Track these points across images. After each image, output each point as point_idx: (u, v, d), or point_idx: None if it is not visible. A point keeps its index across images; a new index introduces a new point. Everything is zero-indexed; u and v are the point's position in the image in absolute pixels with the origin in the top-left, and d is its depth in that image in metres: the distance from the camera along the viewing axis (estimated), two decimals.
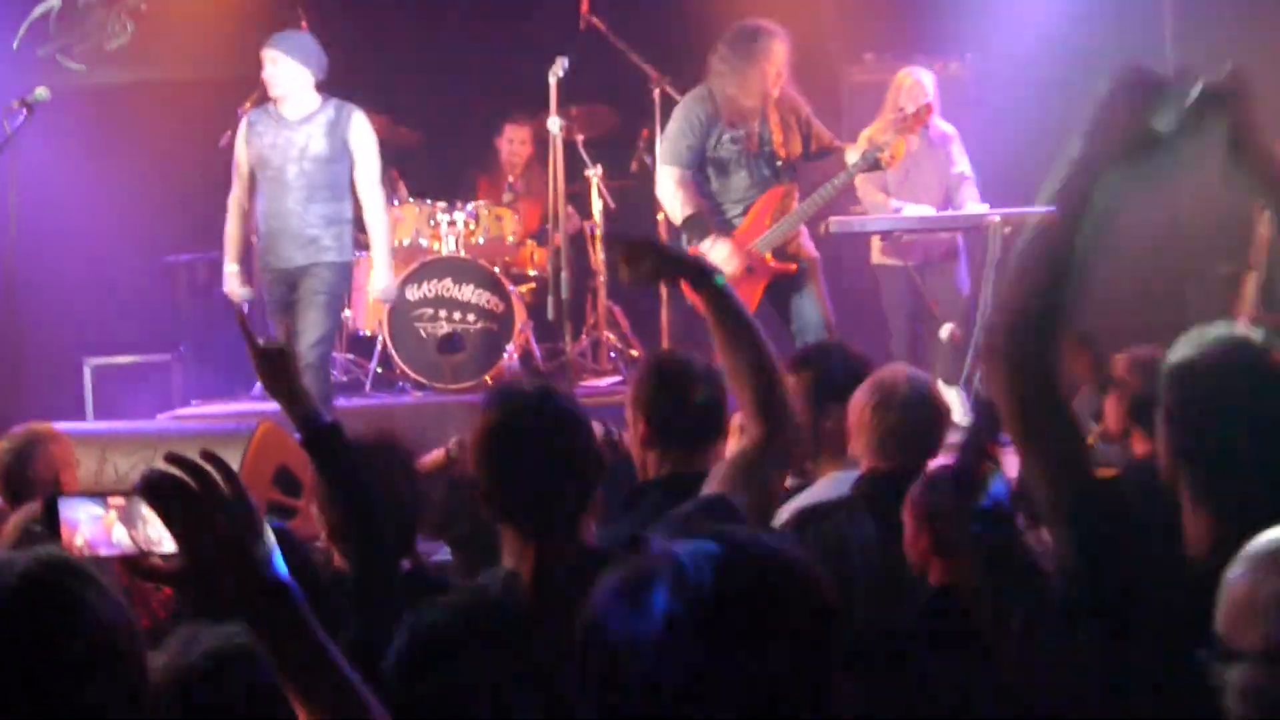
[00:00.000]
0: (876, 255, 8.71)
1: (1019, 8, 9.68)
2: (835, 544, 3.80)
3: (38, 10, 10.97)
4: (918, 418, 4.10)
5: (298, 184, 7.73)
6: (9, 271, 7.18)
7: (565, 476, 2.82)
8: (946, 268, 8.61)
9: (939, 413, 4.22)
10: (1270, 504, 2.33)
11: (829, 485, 4.24)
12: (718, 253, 7.27)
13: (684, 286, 3.58)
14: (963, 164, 8.53)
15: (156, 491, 2.10)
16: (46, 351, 9.94)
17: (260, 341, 3.58)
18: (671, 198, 7.47)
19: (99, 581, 2.06)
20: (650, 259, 3.42)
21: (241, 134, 7.93)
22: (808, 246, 7.61)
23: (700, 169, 7.51)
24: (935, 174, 8.55)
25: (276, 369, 3.52)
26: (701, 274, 3.41)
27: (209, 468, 2.13)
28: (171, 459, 2.13)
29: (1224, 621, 2.10)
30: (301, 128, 7.77)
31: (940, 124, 8.49)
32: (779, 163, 7.49)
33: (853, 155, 7.49)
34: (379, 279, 8.03)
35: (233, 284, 7.94)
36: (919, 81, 8.41)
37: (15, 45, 10.95)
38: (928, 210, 8.40)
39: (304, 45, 7.91)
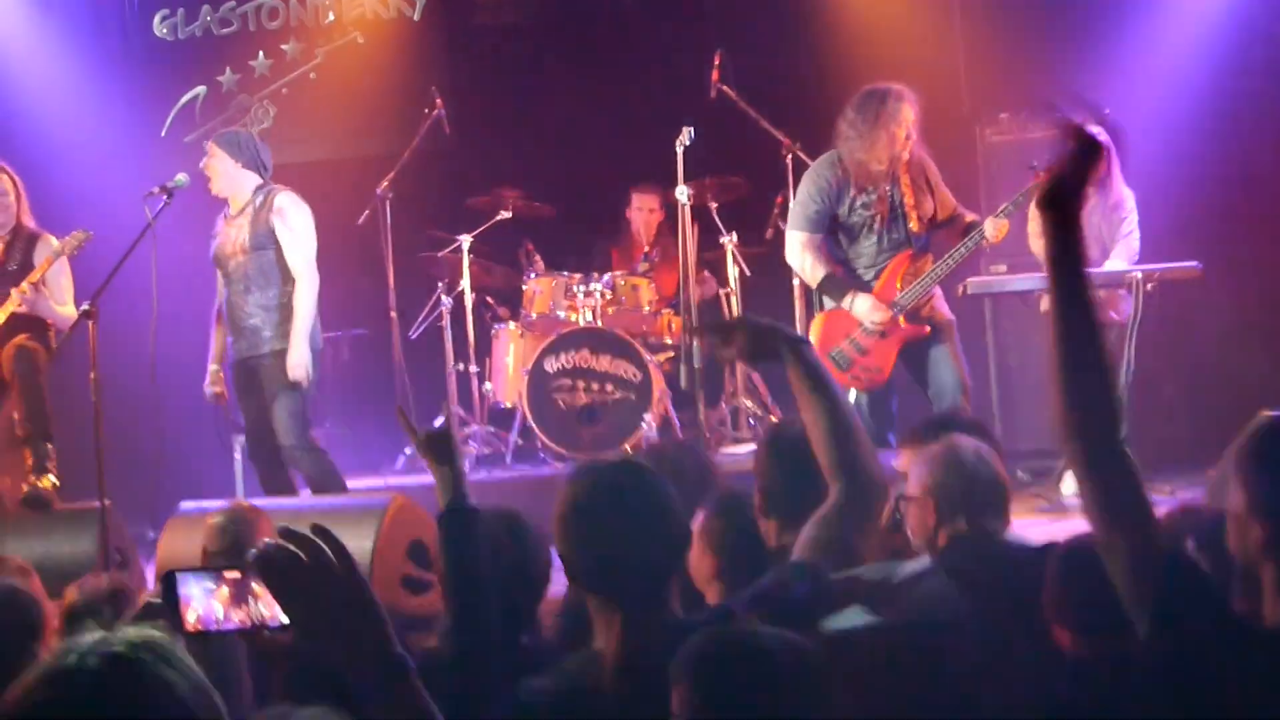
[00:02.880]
0: (1046, 304, 8.55)
1: (1158, 63, 9.53)
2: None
3: (185, 98, 11.27)
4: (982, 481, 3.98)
5: (235, 276, 7.81)
6: (153, 353, 7.30)
7: (645, 548, 2.79)
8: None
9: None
10: None
11: None
12: (860, 306, 7.29)
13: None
14: (1131, 225, 8.33)
15: (269, 566, 2.12)
16: (194, 431, 10.10)
17: (421, 431, 3.65)
18: (802, 261, 7.46)
19: (183, 661, 2.05)
20: (740, 336, 3.50)
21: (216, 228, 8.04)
22: (942, 309, 7.53)
23: (831, 234, 7.48)
24: (1107, 231, 8.39)
25: (439, 449, 3.55)
26: (788, 339, 3.47)
27: (320, 542, 2.14)
28: (284, 534, 2.15)
29: None
30: (236, 221, 7.87)
31: (1121, 186, 8.32)
32: (910, 225, 7.43)
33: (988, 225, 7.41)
34: (288, 359, 7.76)
35: (210, 383, 8.14)
36: None
37: (163, 132, 11.23)
38: None
39: (235, 139, 7.98)
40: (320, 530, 2.18)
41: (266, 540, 2.24)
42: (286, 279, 7.77)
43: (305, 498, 8.32)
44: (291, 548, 2.16)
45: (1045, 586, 3.40)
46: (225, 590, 2.43)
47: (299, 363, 7.71)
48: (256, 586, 2.33)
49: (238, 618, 2.38)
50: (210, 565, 2.78)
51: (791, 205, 7.69)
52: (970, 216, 7.63)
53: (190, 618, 2.42)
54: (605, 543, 2.80)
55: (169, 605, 2.58)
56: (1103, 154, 2.69)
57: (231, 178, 7.86)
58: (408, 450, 9.46)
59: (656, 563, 2.80)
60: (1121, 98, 9.43)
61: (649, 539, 2.80)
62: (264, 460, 7.97)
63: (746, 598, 3.08)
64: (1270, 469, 2.57)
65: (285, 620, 2.22)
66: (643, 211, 10.16)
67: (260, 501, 6.16)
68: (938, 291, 7.53)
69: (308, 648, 2.12)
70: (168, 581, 2.61)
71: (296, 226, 7.80)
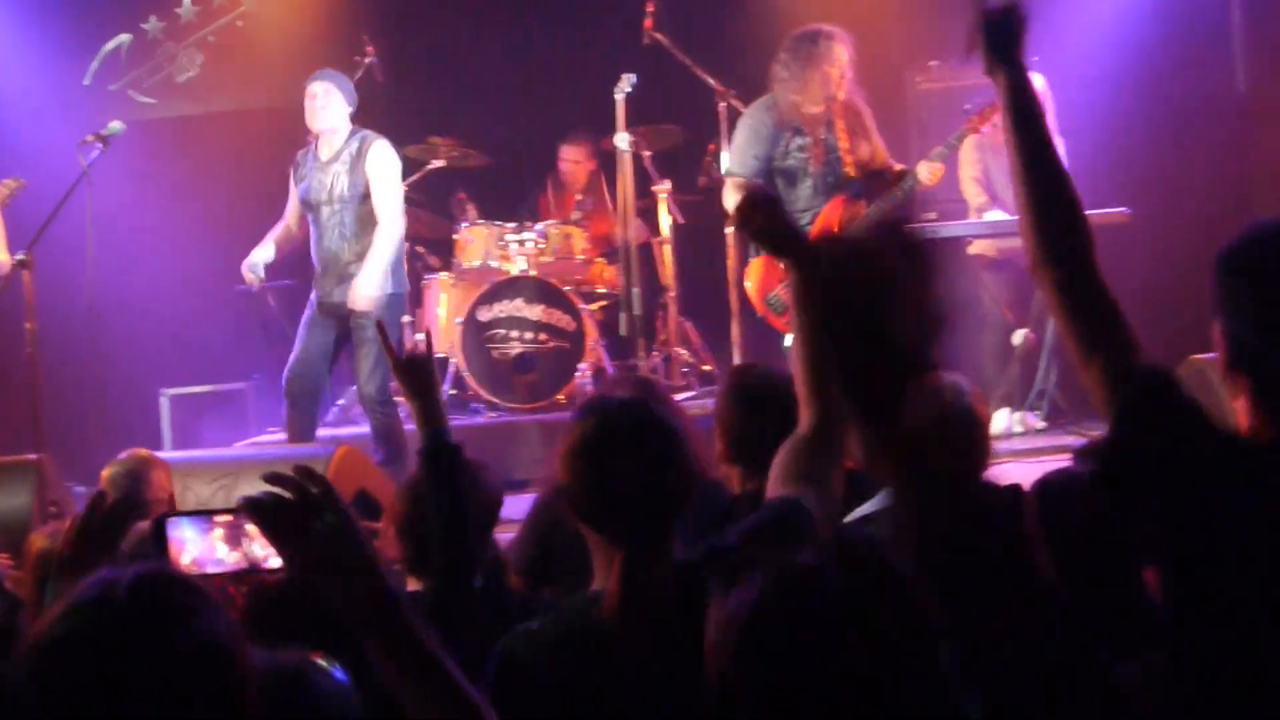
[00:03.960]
0: (976, 248, 8.66)
1: (1086, 10, 9.62)
2: None
3: (109, 45, 11.13)
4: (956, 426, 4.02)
5: (331, 224, 7.80)
6: (90, 304, 7.26)
7: (657, 488, 2.78)
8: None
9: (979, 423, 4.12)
10: None
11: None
12: None
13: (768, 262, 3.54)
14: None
15: (257, 509, 2.14)
16: (123, 382, 10.04)
17: (400, 355, 3.63)
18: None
19: (206, 594, 2.09)
20: (764, 217, 3.27)
21: (290, 173, 8.07)
22: None
23: (767, 178, 7.51)
24: None
25: (416, 377, 3.54)
26: (802, 252, 3.23)
27: (304, 481, 2.17)
28: (269, 478, 2.17)
29: None
30: (330, 167, 7.83)
31: (1051, 122, 8.43)
32: (844, 171, 7.48)
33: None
34: (359, 290, 7.75)
35: (254, 265, 8.09)
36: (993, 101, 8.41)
37: (87, 80, 11.10)
38: (1001, 213, 8.39)
39: (348, 83, 8.02)
40: (303, 469, 2.20)
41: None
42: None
43: (244, 449, 8.31)
44: (277, 490, 2.18)
45: (1025, 516, 3.40)
46: (220, 532, 2.46)
47: (372, 295, 7.68)
48: (250, 528, 2.36)
49: (233, 559, 2.41)
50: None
51: (729, 151, 7.71)
52: (899, 167, 7.68)
53: (185, 560, 2.45)
54: (613, 480, 2.80)
55: (158, 549, 2.60)
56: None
57: (339, 120, 7.87)
58: (340, 401, 9.44)
59: (663, 502, 2.79)
60: (1053, 45, 9.54)
61: (657, 478, 2.78)
62: (301, 400, 7.89)
63: (742, 534, 3.07)
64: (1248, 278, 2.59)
65: (280, 561, 2.25)
66: (569, 163, 10.18)
67: (205, 454, 6.15)
68: None
69: (301, 588, 2.14)
70: (157, 526, 2.64)
71: (390, 173, 7.86)
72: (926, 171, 7.44)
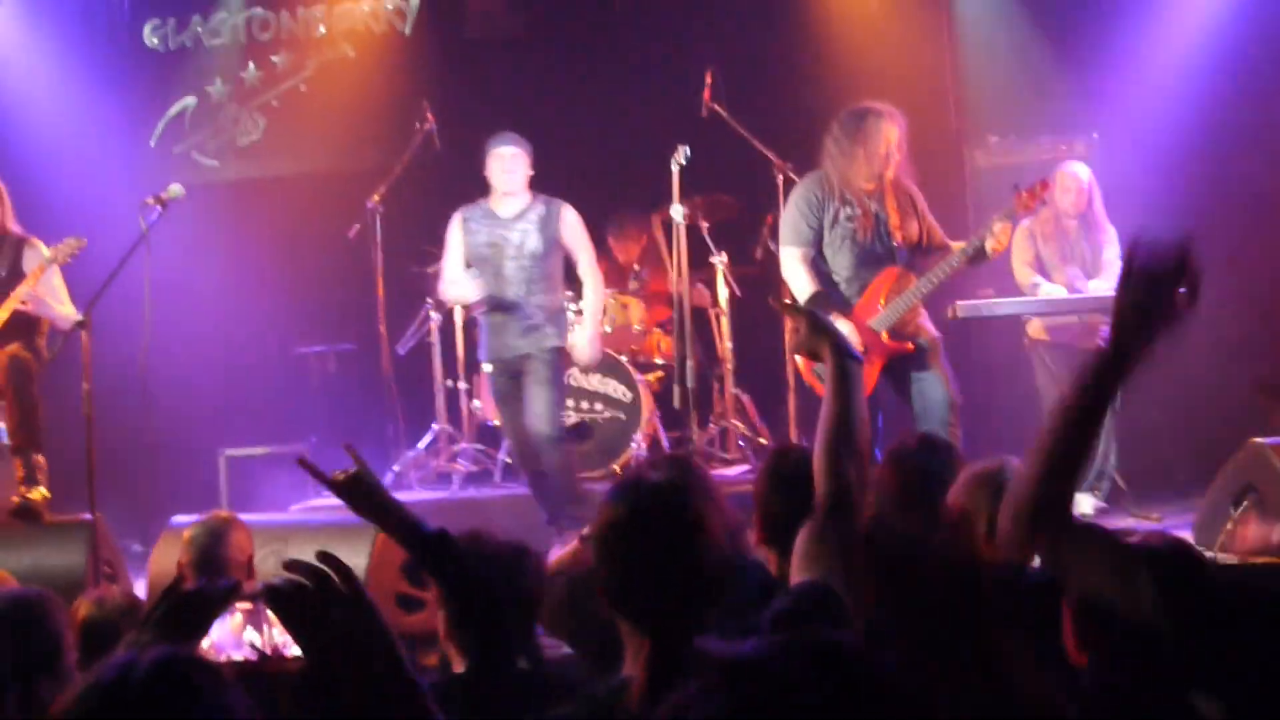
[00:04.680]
0: (1034, 331, 8.61)
1: (1145, 86, 9.58)
2: None
3: (174, 108, 11.26)
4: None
5: (517, 278, 7.99)
6: (144, 365, 7.30)
7: (686, 578, 2.74)
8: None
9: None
10: None
11: None
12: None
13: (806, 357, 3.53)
14: (1112, 255, 8.46)
15: (276, 596, 2.12)
16: (182, 443, 10.10)
17: (330, 475, 3.57)
18: (795, 277, 7.48)
19: (225, 680, 2.07)
20: (801, 326, 3.45)
21: (456, 228, 8.21)
22: (928, 327, 7.52)
23: (818, 248, 7.50)
24: (1090, 258, 8.51)
25: (356, 495, 3.50)
26: (838, 348, 3.40)
27: (325, 568, 2.15)
28: (290, 565, 2.15)
29: None
30: (516, 225, 8.04)
31: (1103, 219, 8.52)
32: (894, 244, 7.45)
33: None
34: (586, 347, 8.18)
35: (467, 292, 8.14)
36: (1073, 174, 8.41)
37: (153, 142, 11.23)
38: (1060, 290, 8.35)
39: (528, 144, 8.23)
40: (325, 556, 2.19)
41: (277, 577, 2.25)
42: (562, 283, 8.22)
43: (298, 513, 8.32)
44: (297, 578, 2.16)
45: (1066, 612, 3.35)
46: (239, 618, 2.45)
47: (596, 353, 8.23)
48: (270, 615, 2.35)
49: (251, 646, 2.40)
50: (185, 578, 2.78)
51: (782, 221, 7.70)
52: (958, 245, 7.63)
53: (204, 644, 2.44)
54: (640, 568, 2.76)
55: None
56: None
57: (524, 181, 8.16)
58: (395, 467, 9.45)
59: (691, 592, 2.75)
60: (1109, 119, 9.52)
61: (686, 567, 2.74)
62: (532, 461, 8.07)
63: (766, 621, 3.03)
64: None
65: (298, 649, 2.23)
66: (619, 252, 10.25)
67: (252, 517, 6.15)
68: (924, 310, 7.53)
69: (319, 676, 2.12)
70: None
71: (584, 237, 8.22)
72: (992, 240, 7.33)
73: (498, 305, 7.99)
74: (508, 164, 8.11)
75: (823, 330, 3.42)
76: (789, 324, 3.51)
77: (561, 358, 8.08)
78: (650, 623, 2.71)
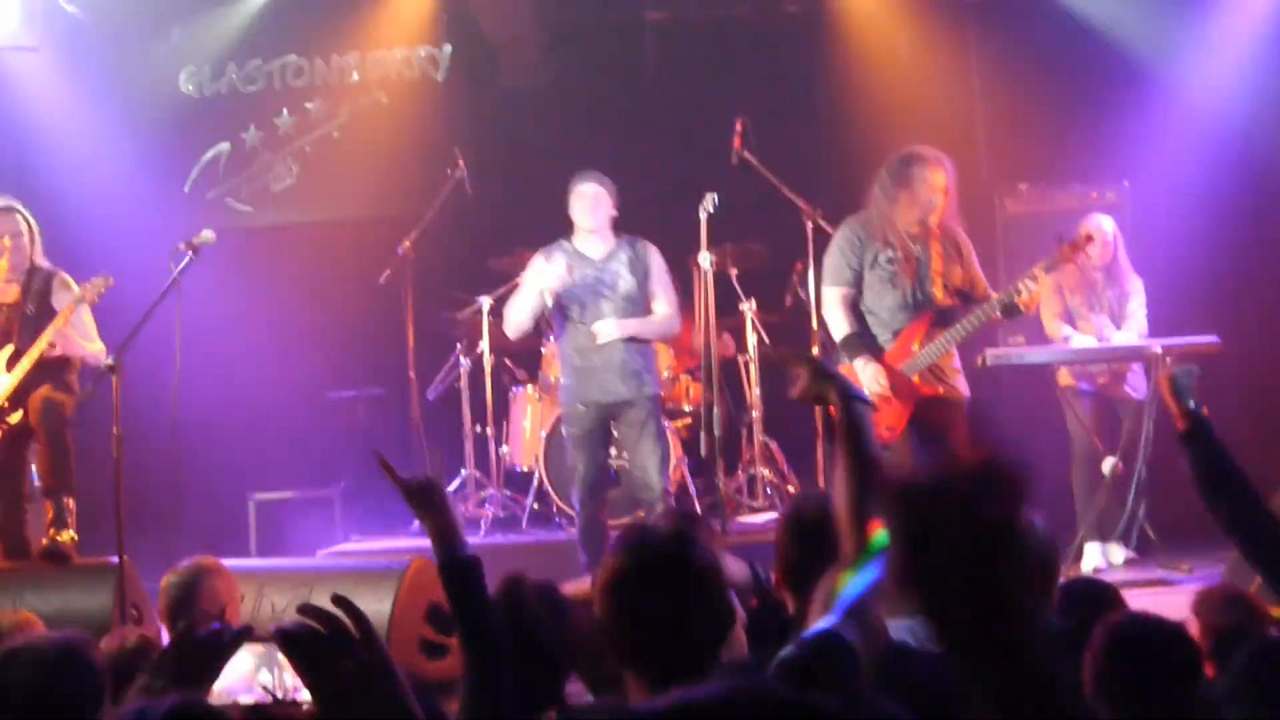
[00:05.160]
0: (1065, 378, 8.59)
1: (1176, 135, 9.57)
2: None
3: (209, 154, 11.34)
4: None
5: (613, 319, 7.91)
6: (174, 408, 7.33)
7: (693, 627, 2.75)
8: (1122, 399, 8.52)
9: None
10: None
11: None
12: (866, 372, 7.30)
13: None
14: (1136, 306, 8.47)
15: (288, 640, 2.12)
16: (212, 486, 10.14)
17: (405, 476, 3.61)
18: (832, 317, 7.54)
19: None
20: (803, 373, 3.44)
21: (535, 268, 8.09)
22: (958, 385, 7.50)
23: (858, 289, 7.52)
24: (1118, 309, 8.51)
25: (424, 501, 3.54)
26: (843, 392, 3.38)
27: (340, 613, 2.15)
28: (303, 610, 2.16)
29: None
30: (608, 266, 7.96)
31: (1129, 271, 8.50)
32: (933, 290, 7.43)
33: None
34: (613, 324, 7.96)
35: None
36: (1099, 227, 8.41)
37: (187, 187, 11.30)
38: (1090, 340, 8.35)
39: (610, 182, 8.14)
40: (340, 600, 2.19)
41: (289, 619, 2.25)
42: None
43: (325, 558, 8.34)
44: (311, 622, 2.16)
45: (1089, 662, 3.34)
46: (251, 662, 2.45)
47: (616, 332, 7.92)
48: (282, 658, 2.35)
49: (262, 689, 2.40)
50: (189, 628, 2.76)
51: (825, 261, 7.72)
52: (994, 296, 7.62)
53: (216, 687, 2.44)
54: (642, 621, 2.76)
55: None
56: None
57: (607, 219, 8.08)
58: None
59: (699, 641, 2.75)
60: (1139, 168, 9.50)
61: (692, 617, 2.75)
62: (597, 504, 8.05)
63: (774, 667, 3.02)
64: None
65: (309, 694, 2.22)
66: None
67: (284, 562, 6.16)
68: (959, 365, 7.51)
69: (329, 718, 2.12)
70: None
71: (668, 278, 8.17)
72: (1026, 292, 7.33)
73: (598, 347, 7.89)
74: (590, 202, 8.02)
75: (826, 375, 3.42)
76: (790, 372, 3.47)
77: (660, 405, 8.08)
78: (655, 674, 2.71)
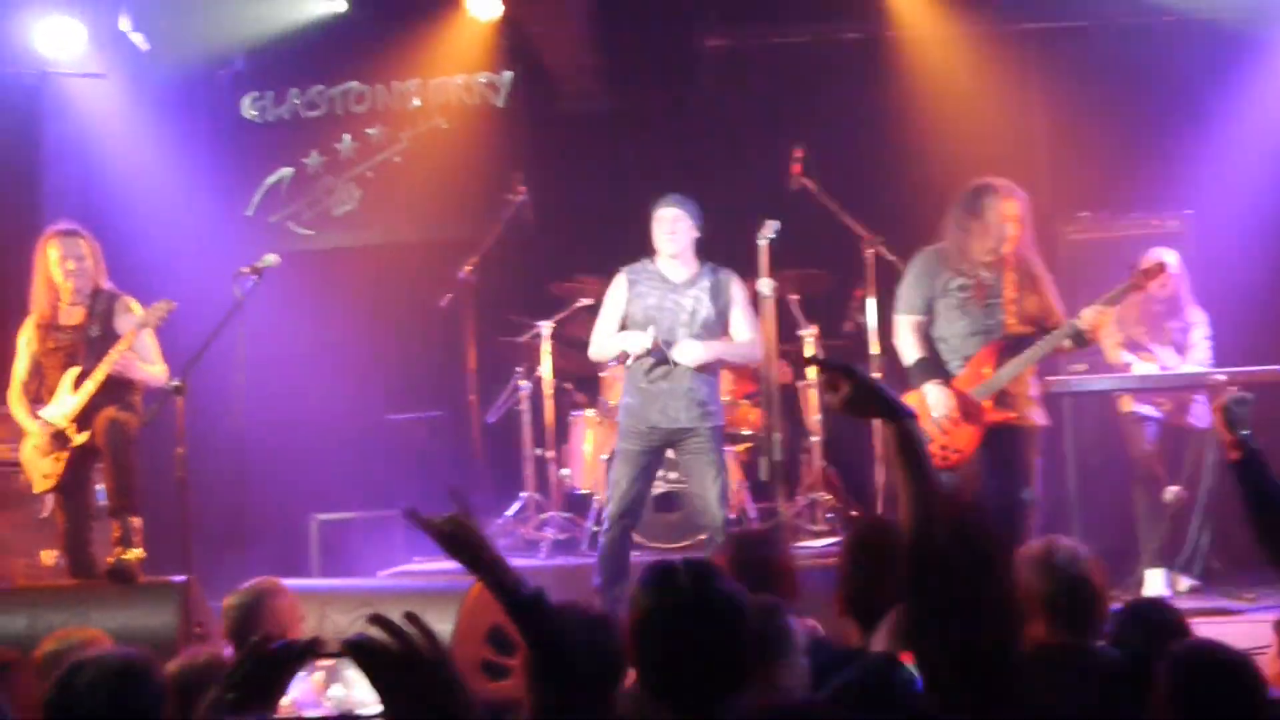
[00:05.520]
0: (1127, 404, 8.57)
1: (1239, 164, 9.52)
2: None
3: (271, 178, 11.45)
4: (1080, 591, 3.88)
5: None
6: (238, 429, 7.40)
7: (715, 663, 2.75)
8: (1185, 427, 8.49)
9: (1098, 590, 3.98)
10: None
11: None
12: (931, 395, 7.33)
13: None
14: (1199, 338, 8.45)
15: (360, 652, 2.14)
16: (274, 506, 10.21)
17: (435, 521, 3.47)
18: (902, 343, 7.56)
19: None
20: (847, 386, 3.20)
21: (621, 287, 7.97)
22: (1032, 415, 7.48)
23: (930, 316, 7.54)
24: (1180, 332, 8.49)
25: (458, 544, 3.43)
26: (891, 409, 3.19)
27: (411, 629, 2.17)
28: (375, 620, 2.18)
29: None
30: (688, 291, 7.86)
31: (1191, 304, 8.52)
32: (1004, 318, 7.44)
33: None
34: (699, 345, 7.82)
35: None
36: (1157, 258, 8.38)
37: (249, 211, 11.40)
38: (1152, 368, 8.32)
39: (693, 206, 7.99)
40: (411, 617, 2.21)
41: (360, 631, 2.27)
42: None
43: (387, 578, 8.36)
44: (381, 634, 2.18)
45: (1155, 688, 3.28)
46: (320, 675, 2.48)
47: (699, 356, 7.79)
48: (351, 673, 2.38)
49: (332, 705, 2.43)
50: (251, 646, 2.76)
51: (898, 290, 7.74)
52: (1067, 320, 7.59)
53: (285, 701, 2.47)
54: (674, 652, 2.76)
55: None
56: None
57: (689, 244, 7.93)
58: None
59: (726, 673, 2.75)
60: (1201, 197, 9.45)
61: (718, 649, 2.76)
62: (624, 527, 7.86)
63: (828, 693, 3.02)
64: None
65: (379, 708, 2.25)
66: None
67: (346, 583, 6.20)
68: (1036, 395, 7.51)
69: None
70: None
71: (751, 309, 8.00)
72: (1093, 315, 7.33)
73: (661, 361, 7.76)
74: (670, 225, 7.87)
75: (869, 387, 3.23)
76: (821, 381, 3.32)
77: (723, 435, 7.95)
78: (686, 708, 2.71)
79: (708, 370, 7.84)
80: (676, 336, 7.79)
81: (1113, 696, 3.37)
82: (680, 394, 7.76)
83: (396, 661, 2.13)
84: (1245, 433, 4.27)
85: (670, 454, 8.19)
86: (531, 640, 3.45)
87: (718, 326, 7.86)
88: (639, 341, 7.73)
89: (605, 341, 7.98)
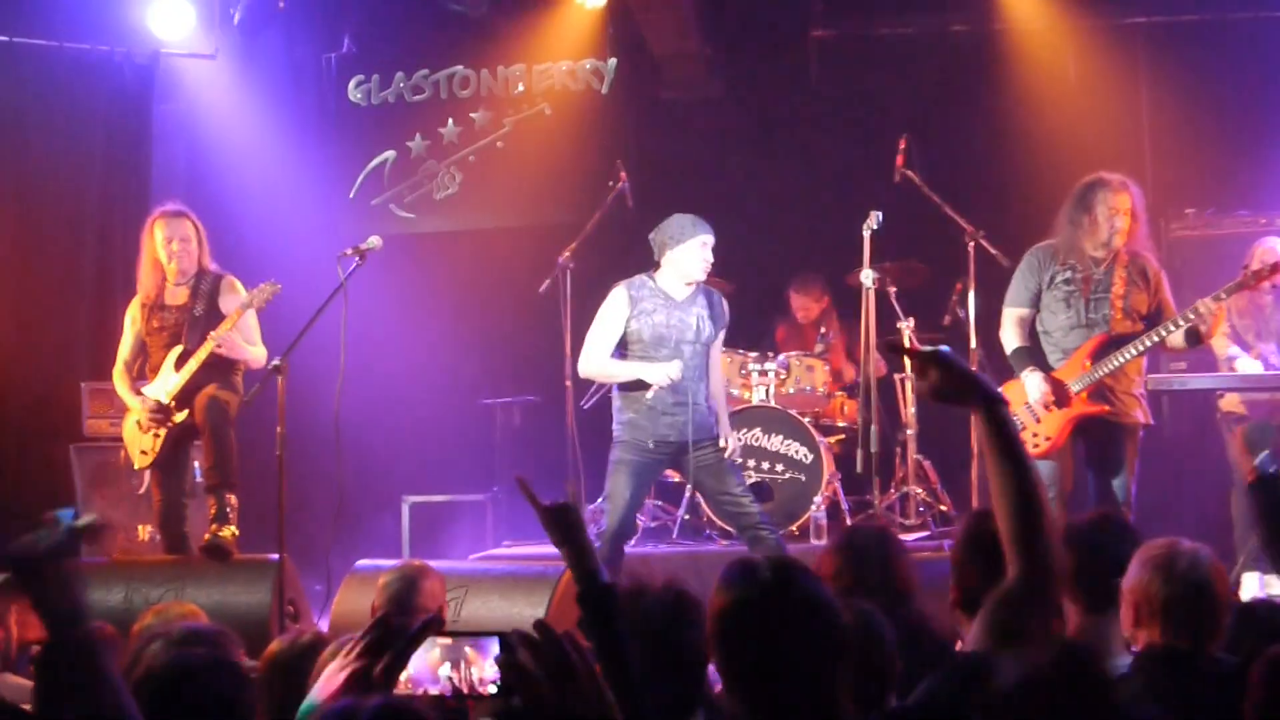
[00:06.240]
0: (1227, 404, 8.48)
1: None
2: None
3: (375, 161, 11.53)
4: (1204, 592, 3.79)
5: (693, 364, 7.70)
6: (335, 411, 7.44)
7: (801, 662, 2.70)
8: None
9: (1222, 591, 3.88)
10: None
11: None
12: (1029, 381, 7.42)
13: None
14: None
15: (509, 649, 2.17)
16: (367, 487, 10.29)
17: (546, 502, 3.52)
18: (1007, 335, 7.61)
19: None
20: (935, 372, 3.14)
21: (623, 303, 7.82)
22: (1134, 413, 7.43)
23: (1036, 309, 7.61)
24: None
25: (561, 526, 3.46)
26: (982, 394, 3.11)
27: (568, 648, 2.19)
28: (538, 626, 2.21)
29: None
30: (691, 309, 7.78)
31: None
32: (1111, 312, 7.40)
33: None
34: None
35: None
36: (1272, 248, 8.28)
37: (352, 194, 11.50)
38: (1255, 365, 8.24)
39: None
40: (568, 636, 2.23)
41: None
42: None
43: (476, 562, 8.41)
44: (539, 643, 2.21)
45: (1249, 697, 3.21)
46: (437, 653, 2.50)
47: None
48: (470, 651, 2.40)
49: (448, 681, 2.45)
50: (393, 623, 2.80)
51: (1010, 286, 7.75)
52: (1174, 316, 7.52)
53: (402, 677, 2.50)
54: (759, 651, 2.72)
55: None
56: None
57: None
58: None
59: (814, 672, 2.69)
60: None
61: (805, 647, 2.71)
62: (619, 545, 7.67)
63: (920, 697, 2.97)
64: None
65: (494, 688, 2.27)
66: (799, 309, 10.32)
67: (438, 564, 6.23)
68: (1141, 393, 7.46)
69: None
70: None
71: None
72: (1207, 310, 7.24)
73: (674, 387, 7.63)
74: (709, 254, 7.73)
75: (959, 371, 3.14)
76: (914, 368, 3.25)
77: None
78: (773, 709, 2.69)
79: (706, 384, 7.75)
80: (681, 354, 7.66)
81: (1227, 705, 3.28)
82: (688, 409, 7.66)
83: (548, 669, 2.16)
84: (1263, 456, 4.20)
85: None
86: (589, 628, 3.47)
87: (712, 346, 7.79)
88: (664, 373, 7.58)
89: (608, 363, 7.82)
